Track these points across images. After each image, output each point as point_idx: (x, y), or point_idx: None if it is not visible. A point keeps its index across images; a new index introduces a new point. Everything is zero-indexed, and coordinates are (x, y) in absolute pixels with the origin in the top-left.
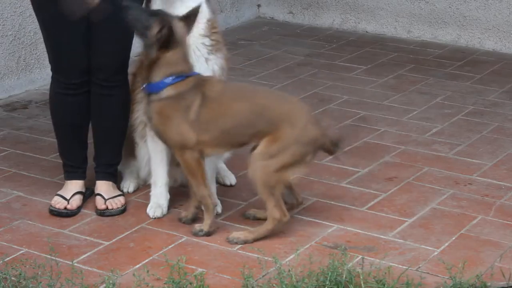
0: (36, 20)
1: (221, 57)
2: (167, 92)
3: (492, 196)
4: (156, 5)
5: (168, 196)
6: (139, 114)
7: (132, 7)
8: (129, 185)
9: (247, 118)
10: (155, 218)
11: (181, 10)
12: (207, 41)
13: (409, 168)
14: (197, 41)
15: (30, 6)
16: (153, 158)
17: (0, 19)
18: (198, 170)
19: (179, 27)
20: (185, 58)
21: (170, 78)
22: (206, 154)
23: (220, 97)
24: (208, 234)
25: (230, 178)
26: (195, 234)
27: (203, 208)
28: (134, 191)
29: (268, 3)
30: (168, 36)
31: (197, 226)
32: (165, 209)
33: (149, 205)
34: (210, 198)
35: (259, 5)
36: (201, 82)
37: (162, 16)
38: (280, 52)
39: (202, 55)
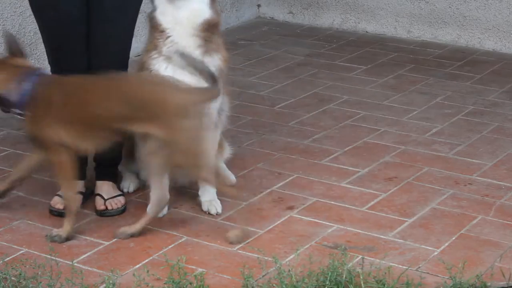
0: (35, 21)
1: (218, 59)
2: (29, 99)
3: (492, 196)
4: (160, 5)
5: (168, 196)
6: None
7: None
8: (129, 185)
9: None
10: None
11: (183, 9)
12: (202, 43)
13: (409, 168)
14: (190, 41)
15: (30, 5)
16: None
17: (0, 19)
18: (71, 170)
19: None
20: (13, 66)
21: (25, 85)
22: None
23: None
24: (67, 239)
25: (231, 177)
26: (52, 240)
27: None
28: (134, 191)
29: (268, 3)
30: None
31: (54, 231)
32: (165, 209)
33: (149, 205)
34: (75, 202)
35: (259, 5)
36: (57, 80)
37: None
38: (280, 52)
39: (197, 57)
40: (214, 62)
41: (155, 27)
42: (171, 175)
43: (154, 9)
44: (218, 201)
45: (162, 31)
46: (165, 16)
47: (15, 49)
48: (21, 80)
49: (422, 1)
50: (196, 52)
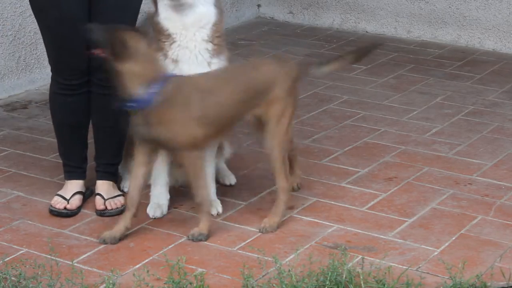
0: (36, 21)
1: (223, 59)
2: (158, 100)
3: (492, 196)
4: (163, 11)
5: (168, 196)
6: None
7: (93, 28)
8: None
9: (245, 94)
10: (155, 218)
11: (190, 16)
12: (210, 46)
13: (409, 168)
14: (200, 46)
15: (30, 6)
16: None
17: (0, 19)
18: (203, 171)
19: (130, 38)
20: (150, 65)
21: (154, 87)
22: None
23: (215, 86)
24: (208, 237)
25: (230, 178)
26: (196, 239)
27: (199, 211)
28: None
29: (268, 3)
30: (120, 48)
31: (195, 231)
32: (165, 209)
33: (149, 205)
34: (208, 201)
35: (259, 5)
36: (187, 80)
37: (109, 31)
38: (280, 52)
39: (205, 60)
40: (221, 63)
41: (159, 31)
42: (173, 176)
43: (157, 14)
44: (218, 201)
45: (169, 35)
46: (171, 21)
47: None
48: (152, 80)
49: (422, 1)
50: (205, 55)
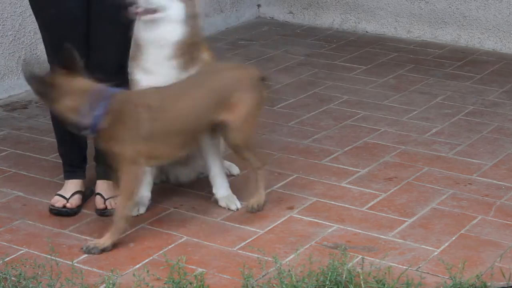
0: (35, 21)
1: (198, 65)
2: (105, 119)
3: (492, 196)
4: (138, 29)
5: (149, 196)
6: None
7: (29, 79)
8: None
9: (205, 105)
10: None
11: (152, 32)
12: (173, 63)
13: (409, 168)
14: (163, 62)
15: (30, 6)
16: None
17: (0, 19)
18: (135, 192)
19: (55, 78)
20: (83, 92)
21: (97, 109)
22: (154, 164)
23: (167, 102)
24: (103, 251)
25: (235, 168)
26: (87, 251)
27: (112, 226)
28: None
29: (268, 3)
30: (50, 92)
31: (92, 242)
32: (142, 209)
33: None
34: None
35: (259, 5)
36: (133, 96)
37: (38, 81)
38: (280, 52)
39: (171, 74)
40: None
41: (135, 39)
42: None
43: (137, 20)
44: (234, 196)
45: (139, 45)
46: (140, 32)
47: (70, 62)
48: (92, 103)
49: (422, 1)
50: (171, 71)
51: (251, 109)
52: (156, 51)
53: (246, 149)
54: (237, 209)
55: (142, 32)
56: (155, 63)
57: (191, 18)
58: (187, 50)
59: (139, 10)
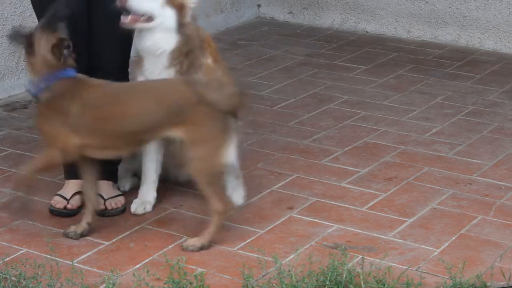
0: (36, 20)
1: (199, 72)
2: (43, 95)
3: (492, 196)
4: (136, 37)
5: (155, 195)
6: None
7: (16, 30)
8: (125, 184)
9: (150, 115)
10: (136, 214)
11: (147, 41)
12: (172, 71)
13: (409, 168)
14: (162, 72)
15: (30, 6)
16: (145, 155)
17: (0, 19)
18: (46, 171)
19: (39, 37)
20: (48, 63)
21: (43, 82)
22: (92, 156)
23: (105, 100)
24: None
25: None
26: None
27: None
28: (130, 190)
29: (268, 3)
30: (29, 44)
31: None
32: (148, 207)
33: (134, 201)
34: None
35: (259, 5)
36: (80, 85)
37: (27, 34)
38: (280, 52)
39: None
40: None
41: (135, 47)
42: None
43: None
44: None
45: (140, 55)
46: (137, 43)
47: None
48: (46, 76)
49: (422, 1)
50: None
51: (211, 133)
52: (154, 59)
53: (205, 183)
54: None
55: (139, 41)
56: (154, 72)
57: (184, 26)
58: (184, 58)
59: (130, 18)
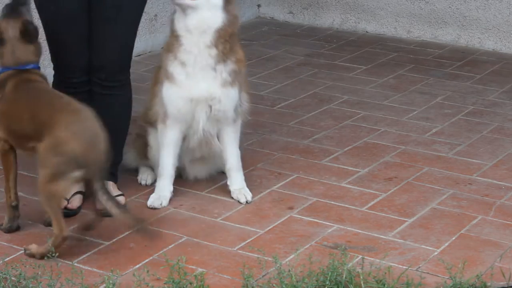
0: (37, 20)
1: (232, 62)
2: None
3: (492, 196)
4: (175, 11)
5: (171, 189)
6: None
7: None
8: (147, 178)
9: (24, 121)
10: (153, 208)
11: (193, 19)
12: (213, 51)
13: (409, 168)
14: (203, 51)
15: (34, 4)
16: (161, 150)
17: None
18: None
19: (2, 26)
20: (8, 54)
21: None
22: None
23: (11, 95)
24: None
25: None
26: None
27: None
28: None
29: (268, 3)
30: None
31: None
32: (165, 202)
33: (150, 196)
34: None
35: (259, 5)
36: (10, 78)
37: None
38: (280, 52)
39: (209, 65)
40: (227, 67)
41: (172, 31)
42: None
43: (174, 12)
44: (247, 190)
45: (177, 37)
46: (179, 22)
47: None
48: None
49: (422, 1)
50: (209, 61)
51: (45, 160)
52: (196, 38)
53: (42, 201)
54: (247, 202)
55: (182, 20)
56: (194, 52)
57: (230, 4)
58: (229, 38)
59: None
